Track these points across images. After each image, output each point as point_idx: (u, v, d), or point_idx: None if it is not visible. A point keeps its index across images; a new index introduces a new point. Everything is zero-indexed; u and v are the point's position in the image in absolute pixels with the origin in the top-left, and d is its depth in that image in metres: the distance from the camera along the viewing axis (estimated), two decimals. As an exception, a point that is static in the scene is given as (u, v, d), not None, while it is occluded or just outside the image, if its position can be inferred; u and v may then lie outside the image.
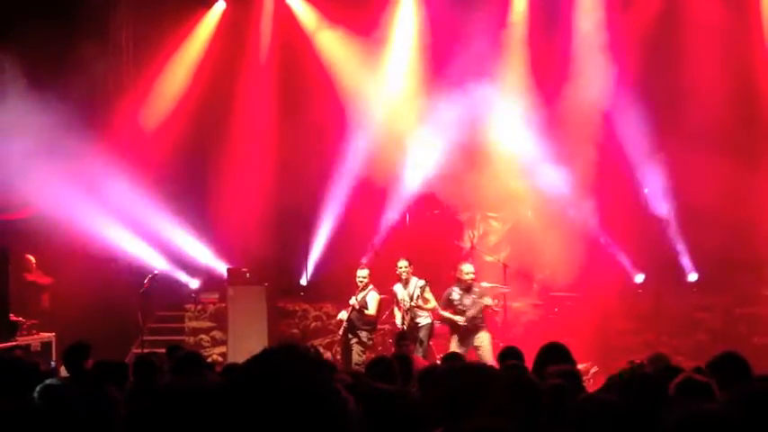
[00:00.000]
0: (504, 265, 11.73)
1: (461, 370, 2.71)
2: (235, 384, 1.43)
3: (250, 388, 1.41)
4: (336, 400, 1.43)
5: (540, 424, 3.70)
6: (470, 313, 10.40)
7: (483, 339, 10.40)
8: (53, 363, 9.69)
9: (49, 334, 10.95)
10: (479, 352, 10.25)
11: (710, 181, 11.48)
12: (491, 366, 3.01)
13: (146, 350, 10.53)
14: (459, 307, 10.46)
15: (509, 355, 6.02)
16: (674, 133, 12.10)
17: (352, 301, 10.62)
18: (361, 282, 10.69)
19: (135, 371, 5.44)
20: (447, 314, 10.48)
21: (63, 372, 6.94)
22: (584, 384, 5.29)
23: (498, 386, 2.50)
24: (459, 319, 10.43)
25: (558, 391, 4.09)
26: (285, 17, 14.02)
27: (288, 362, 1.44)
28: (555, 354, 5.34)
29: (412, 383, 5.46)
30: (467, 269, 10.61)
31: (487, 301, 10.52)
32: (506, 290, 11.40)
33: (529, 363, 5.37)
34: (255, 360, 1.47)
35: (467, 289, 10.54)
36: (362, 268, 10.88)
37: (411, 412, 2.39)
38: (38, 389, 3.47)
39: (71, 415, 2.46)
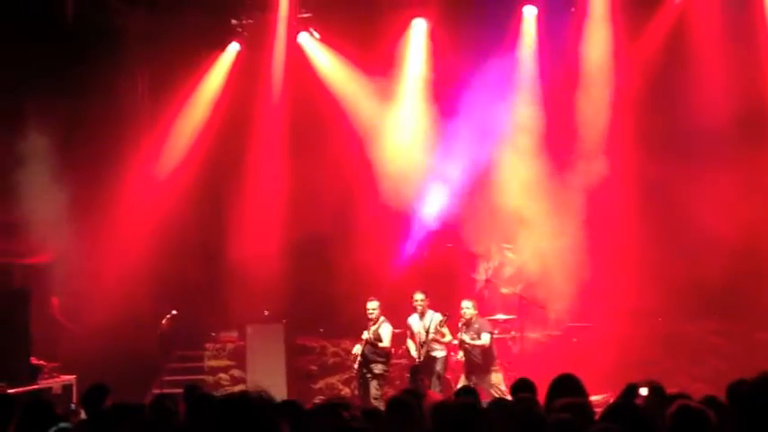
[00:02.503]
0: (520, 297, 11.75)
1: (454, 407, 2.77)
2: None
3: None
4: None
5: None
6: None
7: (494, 380, 10.54)
8: (73, 405, 9.77)
9: (70, 376, 11.07)
10: (491, 391, 10.26)
11: (723, 206, 11.50)
12: (478, 404, 3.06)
13: (165, 390, 10.61)
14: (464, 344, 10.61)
15: (521, 387, 6.02)
16: (683, 160, 12.13)
17: (365, 335, 10.67)
18: (371, 314, 10.74)
19: (150, 412, 5.51)
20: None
21: (84, 414, 7.03)
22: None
23: (487, 423, 2.55)
24: (459, 355, 10.64)
25: (565, 427, 4.12)
26: (298, 57, 14.24)
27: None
28: (567, 385, 5.34)
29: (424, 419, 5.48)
30: (464, 305, 10.75)
31: (484, 338, 10.55)
32: (513, 317, 11.53)
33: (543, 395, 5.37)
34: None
35: (467, 324, 10.60)
36: (372, 300, 10.91)
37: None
38: (50, 432, 3.56)
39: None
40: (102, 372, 9.59)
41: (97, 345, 11.81)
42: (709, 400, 5.05)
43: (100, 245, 12.54)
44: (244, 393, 1.98)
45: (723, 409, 4.84)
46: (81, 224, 12.34)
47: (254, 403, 1.89)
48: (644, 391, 5.80)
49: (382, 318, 10.78)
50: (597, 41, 13.07)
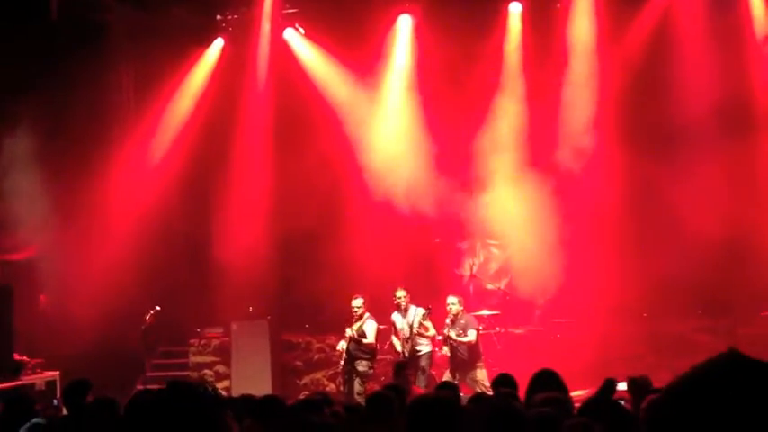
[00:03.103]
0: (505, 293, 11.79)
1: (430, 401, 2.78)
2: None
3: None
4: None
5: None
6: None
7: (478, 376, 10.54)
8: (56, 401, 9.75)
9: (54, 373, 11.03)
10: (476, 387, 10.28)
11: (707, 201, 11.56)
12: (457, 398, 3.07)
13: (149, 386, 10.59)
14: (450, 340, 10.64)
15: (502, 382, 6.06)
16: (667, 156, 12.19)
17: (349, 332, 10.68)
18: (356, 311, 10.76)
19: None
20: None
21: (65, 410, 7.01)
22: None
23: (463, 417, 2.56)
24: (444, 350, 10.68)
25: (544, 420, 4.14)
26: (283, 53, 14.21)
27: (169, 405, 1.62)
28: (547, 381, 5.38)
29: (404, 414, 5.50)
30: (450, 301, 10.79)
31: (470, 334, 10.59)
32: (497, 313, 11.61)
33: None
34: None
35: (453, 320, 10.65)
36: (357, 298, 10.92)
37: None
38: (24, 427, 3.55)
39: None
40: (86, 368, 9.57)
41: (81, 341, 11.78)
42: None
43: (85, 240, 12.49)
44: (175, 384, 1.85)
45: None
46: (66, 220, 12.29)
47: (185, 395, 1.76)
48: (622, 386, 5.84)
49: (367, 314, 10.80)
50: (582, 36, 13.11)
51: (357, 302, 10.82)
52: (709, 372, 1.18)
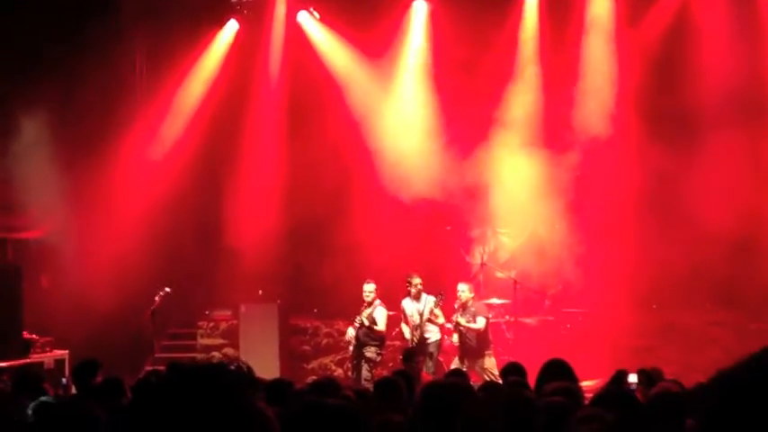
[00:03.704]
0: (515, 282, 11.74)
1: (443, 387, 2.74)
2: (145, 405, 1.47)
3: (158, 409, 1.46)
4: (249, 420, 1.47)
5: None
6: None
7: (487, 364, 10.51)
8: (64, 380, 9.77)
9: (63, 351, 11.05)
10: (484, 375, 10.25)
11: (723, 193, 11.47)
12: (469, 385, 3.03)
13: (157, 367, 10.59)
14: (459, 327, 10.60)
15: (511, 371, 6.03)
16: (684, 147, 12.08)
17: (359, 319, 10.64)
18: (368, 296, 10.71)
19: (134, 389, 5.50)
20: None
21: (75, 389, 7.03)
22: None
23: (475, 404, 2.52)
24: (454, 339, 10.62)
25: (555, 409, 4.10)
26: (297, 36, 14.13)
27: (197, 384, 1.49)
28: (557, 370, 5.34)
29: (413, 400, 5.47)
30: (460, 288, 10.73)
31: (480, 322, 10.54)
32: (507, 301, 11.63)
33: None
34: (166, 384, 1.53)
35: (463, 307, 10.59)
36: (369, 282, 10.86)
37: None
38: (32, 405, 3.54)
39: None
40: (95, 347, 9.61)
41: (91, 320, 11.79)
42: (701, 388, 5.05)
43: (95, 221, 12.48)
44: (209, 366, 1.69)
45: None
46: (77, 201, 12.27)
47: (218, 376, 1.58)
48: (633, 378, 5.80)
49: (378, 301, 10.75)
50: (599, 23, 12.99)
51: (369, 287, 10.76)
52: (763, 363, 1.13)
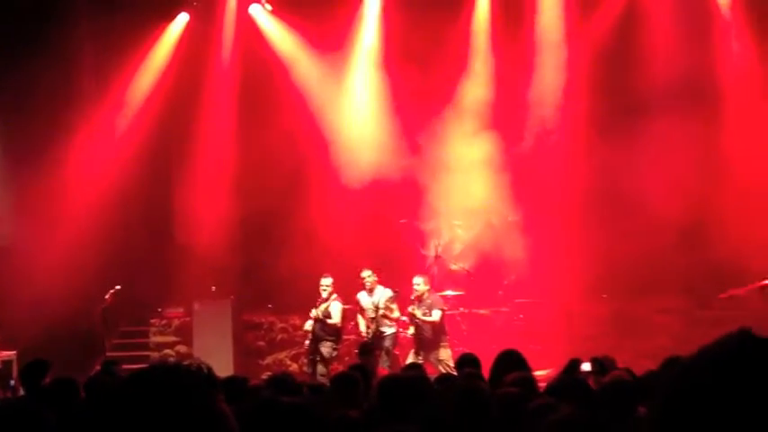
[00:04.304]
0: (469, 273, 11.81)
1: (399, 381, 2.74)
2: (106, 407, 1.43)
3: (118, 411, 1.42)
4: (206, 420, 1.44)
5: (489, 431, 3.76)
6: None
7: (442, 355, 10.54)
8: (12, 381, 9.56)
9: (11, 352, 10.81)
10: (439, 367, 10.30)
11: (670, 183, 11.67)
12: (426, 378, 3.05)
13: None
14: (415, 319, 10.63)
15: (466, 362, 6.07)
16: (631, 137, 12.26)
17: (314, 312, 10.61)
18: (324, 290, 10.68)
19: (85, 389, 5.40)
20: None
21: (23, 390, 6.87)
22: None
23: (432, 396, 2.53)
24: (410, 331, 10.64)
25: (509, 400, 4.14)
26: (249, 29, 14.00)
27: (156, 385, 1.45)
28: (511, 361, 5.40)
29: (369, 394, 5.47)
30: (415, 281, 10.78)
31: (435, 315, 10.59)
32: (461, 293, 11.67)
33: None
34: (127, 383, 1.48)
35: (418, 300, 10.65)
36: (326, 277, 10.83)
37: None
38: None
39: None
40: (44, 347, 9.41)
41: (39, 320, 11.55)
42: (652, 376, 5.15)
43: (43, 220, 12.24)
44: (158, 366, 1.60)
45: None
46: (24, 201, 12.02)
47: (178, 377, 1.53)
48: (586, 367, 5.88)
49: (334, 295, 10.73)
50: (550, 17, 13.12)
51: (326, 281, 10.73)
52: (723, 351, 1.14)
